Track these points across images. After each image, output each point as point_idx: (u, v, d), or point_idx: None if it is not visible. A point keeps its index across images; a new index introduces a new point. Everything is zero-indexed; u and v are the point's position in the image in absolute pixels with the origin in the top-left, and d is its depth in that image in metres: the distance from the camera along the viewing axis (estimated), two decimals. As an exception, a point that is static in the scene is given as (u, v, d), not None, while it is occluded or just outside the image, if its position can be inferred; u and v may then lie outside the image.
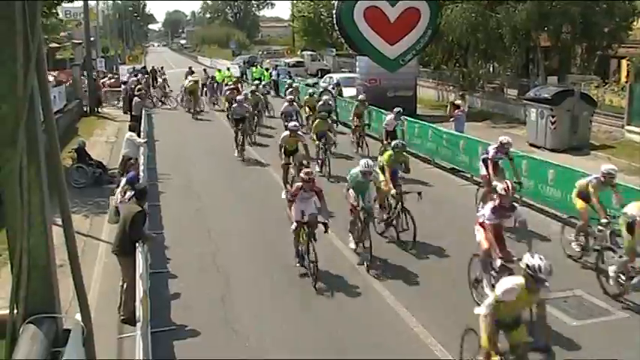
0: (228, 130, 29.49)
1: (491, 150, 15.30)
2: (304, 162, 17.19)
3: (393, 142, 15.56)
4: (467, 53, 39.07)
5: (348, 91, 34.29)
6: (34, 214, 3.10)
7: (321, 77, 45.58)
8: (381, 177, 14.37)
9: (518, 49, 33.73)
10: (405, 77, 33.75)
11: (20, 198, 3.04)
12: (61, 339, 3.16)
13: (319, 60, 64.43)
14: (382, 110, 26.35)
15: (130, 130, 19.81)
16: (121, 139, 23.25)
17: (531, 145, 24.51)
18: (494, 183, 13.46)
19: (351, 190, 13.33)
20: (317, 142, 20.79)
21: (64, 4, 39.48)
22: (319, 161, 20.67)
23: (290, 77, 46.02)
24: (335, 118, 26.62)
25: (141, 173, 15.93)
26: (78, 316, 3.33)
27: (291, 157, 17.86)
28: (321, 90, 31.53)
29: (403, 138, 19.77)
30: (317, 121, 21.77)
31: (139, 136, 20.09)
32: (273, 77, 45.29)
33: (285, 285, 12.17)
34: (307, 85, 41.75)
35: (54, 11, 33.81)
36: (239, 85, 38.84)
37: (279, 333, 10.28)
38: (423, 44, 33.94)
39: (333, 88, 34.55)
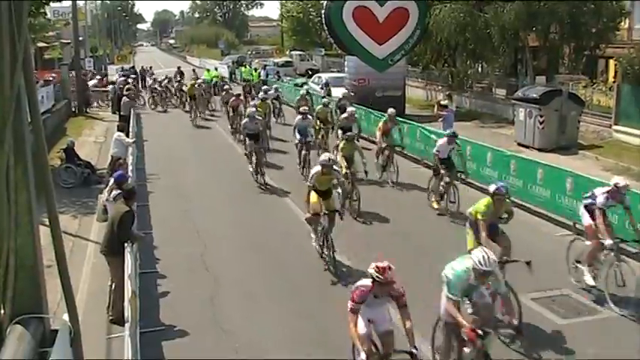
0: (221, 131, 29.54)
1: (601, 196, 11.25)
2: (339, 209, 13.35)
3: (493, 187, 10.78)
4: (455, 53, 39.16)
5: (337, 91, 34.29)
6: (21, 214, 3.08)
7: (310, 77, 45.60)
8: (469, 237, 10.77)
9: (507, 49, 33.83)
10: (394, 77, 33.79)
11: (7, 198, 3.03)
12: (49, 339, 3.15)
13: (308, 60, 64.44)
14: (372, 111, 26.44)
15: (119, 130, 19.76)
16: (109, 139, 23.17)
17: (519, 144, 24.59)
18: (608, 241, 10.86)
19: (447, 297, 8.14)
20: (345, 171, 16.46)
21: (52, 4, 39.36)
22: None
23: (279, 77, 46.05)
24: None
25: (129, 173, 15.88)
26: (65, 317, 3.32)
27: (322, 204, 13.20)
28: (339, 97, 26.69)
29: (464, 166, 16.94)
30: (342, 142, 17.39)
31: (127, 136, 20.04)
32: (262, 77, 45.28)
33: (275, 284, 12.17)
34: (296, 85, 41.74)
35: (42, 11, 33.65)
36: (251, 89, 37.01)
37: (270, 333, 10.27)
38: (411, 44, 33.99)
39: (322, 88, 34.55)
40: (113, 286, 10.70)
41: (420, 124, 23.52)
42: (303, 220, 15.53)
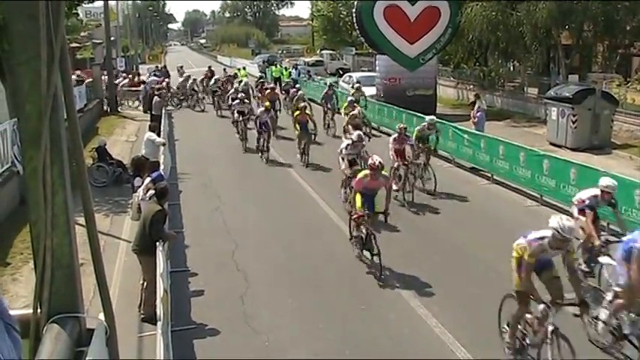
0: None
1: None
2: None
3: None
4: (487, 52, 39.01)
5: (368, 90, 34.24)
6: (58, 213, 3.09)
7: (341, 76, 45.56)
8: None
9: (539, 47, 33.53)
10: (425, 76, 33.65)
11: (44, 197, 3.04)
12: (85, 338, 3.16)
13: (339, 59, 64.38)
14: (403, 110, 26.36)
15: (150, 130, 19.81)
16: (141, 138, 23.32)
17: (552, 144, 24.36)
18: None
19: None
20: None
21: (84, 5, 39.72)
22: None
23: (309, 76, 46.02)
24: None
25: (161, 172, 15.94)
26: (101, 316, 3.32)
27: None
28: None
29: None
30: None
31: (158, 136, 20.10)
32: (293, 76, 45.36)
33: (305, 283, 12.16)
34: (326, 84, 41.73)
35: (75, 11, 33.99)
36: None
37: (299, 331, 10.27)
38: (443, 43, 33.83)
39: (353, 87, 34.48)
40: (145, 285, 10.75)
41: (451, 123, 23.37)
42: (332, 218, 15.70)
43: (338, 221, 15.57)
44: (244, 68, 47.71)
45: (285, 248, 14.11)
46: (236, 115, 26.04)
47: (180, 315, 10.60)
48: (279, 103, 31.82)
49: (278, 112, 29.63)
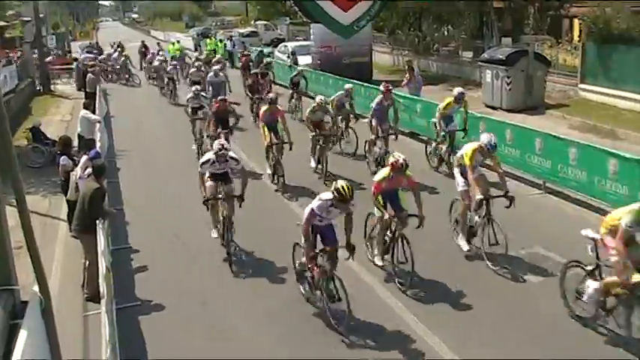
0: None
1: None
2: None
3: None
4: (421, 17, 39.12)
5: (304, 59, 34.16)
6: (-15, 190, 3.06)
7: (276, 46, 45.22)
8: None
9: (472, 11, 33.85)
10: (360, 43, 33.68)
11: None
12: (19, 311, 3.13)
13: (273, 29, 63.93)
14: (339, 77, 26.36)
15: (84, 107, 19.47)
16: (76, 117, 22.88)
17: (487, 106, 24.71)
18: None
19: None
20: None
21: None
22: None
23: (245, 48, 45.60)
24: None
25: (98, 150, 15.71)
26: (36, 288, 3.30)
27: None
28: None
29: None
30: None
31: (93, 113, 19.77)
32: (228, 48, 44.88)
33: (248, 255, 12.17)
34: (262, 53, 41.34)
35: (0, -11, 33.06)
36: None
37: (244, 307, 10.29)
38: (376, 9, 33.74)
39: (289, 57, 34.32)
40: (87, 264, 10.65)
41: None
42: (275, 192, 15.66)
43: None
44: (178, 42, 46.94)
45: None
46: (209, 183, 12.31)
47: (125, 292, 10.53)
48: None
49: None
